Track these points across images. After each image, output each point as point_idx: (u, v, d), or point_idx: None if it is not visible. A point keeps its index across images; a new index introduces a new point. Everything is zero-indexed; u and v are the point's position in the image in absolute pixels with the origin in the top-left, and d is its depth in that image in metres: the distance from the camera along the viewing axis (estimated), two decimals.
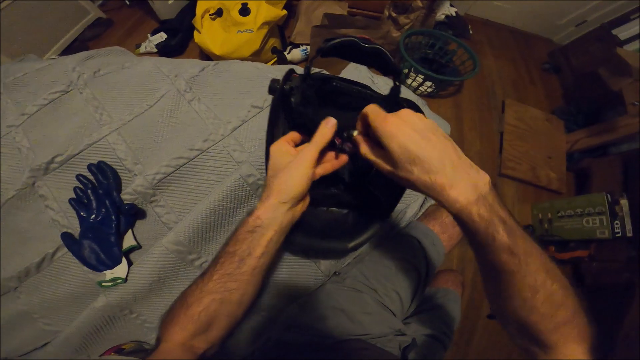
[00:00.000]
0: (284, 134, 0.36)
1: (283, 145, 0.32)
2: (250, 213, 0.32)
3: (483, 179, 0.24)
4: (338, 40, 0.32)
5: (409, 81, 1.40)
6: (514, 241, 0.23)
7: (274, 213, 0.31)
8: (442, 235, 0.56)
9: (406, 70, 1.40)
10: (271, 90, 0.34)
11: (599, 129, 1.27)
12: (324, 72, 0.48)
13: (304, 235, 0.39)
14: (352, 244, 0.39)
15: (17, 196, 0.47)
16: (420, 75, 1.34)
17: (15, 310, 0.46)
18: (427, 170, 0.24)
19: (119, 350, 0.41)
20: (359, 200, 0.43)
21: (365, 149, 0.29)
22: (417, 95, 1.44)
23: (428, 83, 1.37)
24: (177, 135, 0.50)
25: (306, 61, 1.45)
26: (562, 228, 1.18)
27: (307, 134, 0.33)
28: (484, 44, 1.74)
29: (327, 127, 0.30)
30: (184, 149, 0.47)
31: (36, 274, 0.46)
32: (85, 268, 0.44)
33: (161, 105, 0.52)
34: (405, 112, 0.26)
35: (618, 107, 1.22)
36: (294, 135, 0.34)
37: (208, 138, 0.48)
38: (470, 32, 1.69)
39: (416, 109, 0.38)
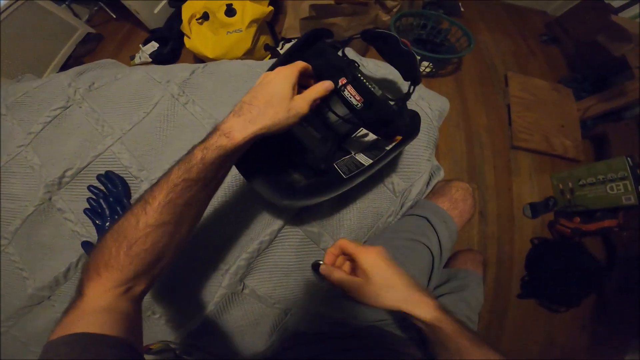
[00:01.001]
0: None
1: (294, 76, 0.31)
2: (221, 133, 0.28)
3: (428, 304, 0.32)
4: (383, 30, 0.40)
5: None
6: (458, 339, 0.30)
7: (249, 141, 0.29)
8: (452, 211, 0.55)
9: None
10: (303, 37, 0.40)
11: (609, 94, 1.25)
12: None
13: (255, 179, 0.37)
14: (286, 203, 0.37)
15: (37, 212, 0.51)
16: (416, 56, 1.34)
17: (52, 318, 0.50)
18: (394, 294, 0.33)
19: (147, 350, 0.44)
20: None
21: (339, 274, 0.35)
22: None
23: (425, 63, 1.37)
24: (176, 139, 0.53)
25: None
26: (585, 197, 1.15)
27: (317, 68, 0.37)
28: (477, 20, 1.72)
29: (323, 87, 0.33)
30: (184, 151, 0.50)
31: (65, 282, 0.50)
32: None
33: (157, 112, 0.55)
34: (380, 249, 0.35)
35: (625, 72, 1.20)
36: (304, 65, 0.33)
37: None
38: (462, 9, 1.67)
39: (417, 119, 0.43)
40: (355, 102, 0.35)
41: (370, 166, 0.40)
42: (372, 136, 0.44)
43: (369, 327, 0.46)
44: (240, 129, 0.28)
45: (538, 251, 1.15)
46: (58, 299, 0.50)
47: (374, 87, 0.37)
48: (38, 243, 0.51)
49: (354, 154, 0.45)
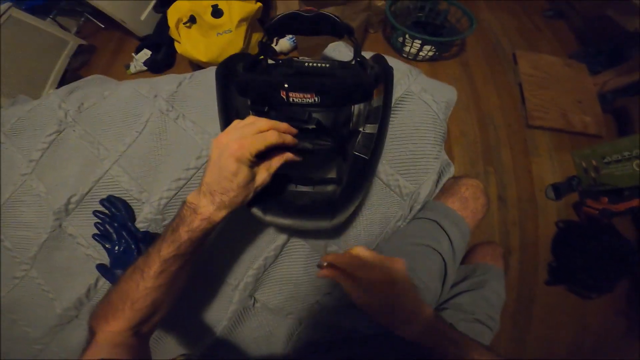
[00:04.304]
0: (236, 107, 0.40)
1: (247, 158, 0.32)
2: (202, 218, 0.32)
3: (425, 314, 0.34)
4: (280, 16, 0.38)
5: (406, 48, 1.36)
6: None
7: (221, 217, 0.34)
8: (463, 212, 0.53)
9: (401, 38, 1.36)
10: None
11: (627, 67, 1.20)
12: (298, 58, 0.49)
13: (277, 215, 0.38)
14: (335, 221, 0.38)
15: (50, 238, 0.53)
16: (417, 41, 1.30)
17: (83, 336, 0.53)
18: (388, 317, 0.34)
19: None
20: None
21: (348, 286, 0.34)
22: (418, 60, 1.40)
23: (427, 47, 1.33)
24: (171, 157, 0.52)
25: (296, 49, 1.45)
26: (611, 175, 1.10)
27: (257, 100, 0.37)
28: None
29: (283, 158, 0.35)
30: (181, 169, 0.50)
31: (88, 302, 0.54)
32: None
33: (149, 130, 0.54)
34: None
35: None
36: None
37: (200, 155, 0.50)
38: None
39: (382, 59, 0.41)
40: (310, 101, 0.34)
41: (380, 131, 0.40)
42: (361, 106, 0.42)
43: (381, 334, 0.47)
44: (215, 212, 0.32)
45: (565, 235, 1.11)
46: (84, 318, 0.54)
47: (320, 65, 0.36)
48: (57, 267, 0.54)
49: (363, 129, 0.44)
